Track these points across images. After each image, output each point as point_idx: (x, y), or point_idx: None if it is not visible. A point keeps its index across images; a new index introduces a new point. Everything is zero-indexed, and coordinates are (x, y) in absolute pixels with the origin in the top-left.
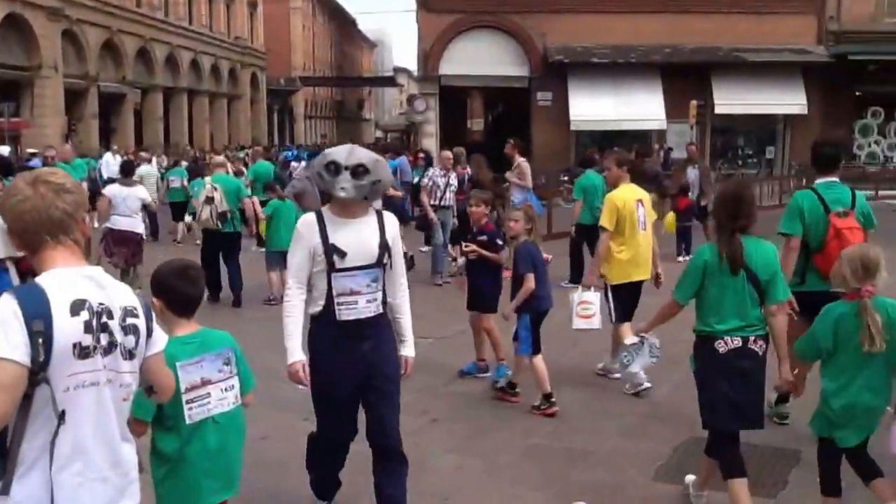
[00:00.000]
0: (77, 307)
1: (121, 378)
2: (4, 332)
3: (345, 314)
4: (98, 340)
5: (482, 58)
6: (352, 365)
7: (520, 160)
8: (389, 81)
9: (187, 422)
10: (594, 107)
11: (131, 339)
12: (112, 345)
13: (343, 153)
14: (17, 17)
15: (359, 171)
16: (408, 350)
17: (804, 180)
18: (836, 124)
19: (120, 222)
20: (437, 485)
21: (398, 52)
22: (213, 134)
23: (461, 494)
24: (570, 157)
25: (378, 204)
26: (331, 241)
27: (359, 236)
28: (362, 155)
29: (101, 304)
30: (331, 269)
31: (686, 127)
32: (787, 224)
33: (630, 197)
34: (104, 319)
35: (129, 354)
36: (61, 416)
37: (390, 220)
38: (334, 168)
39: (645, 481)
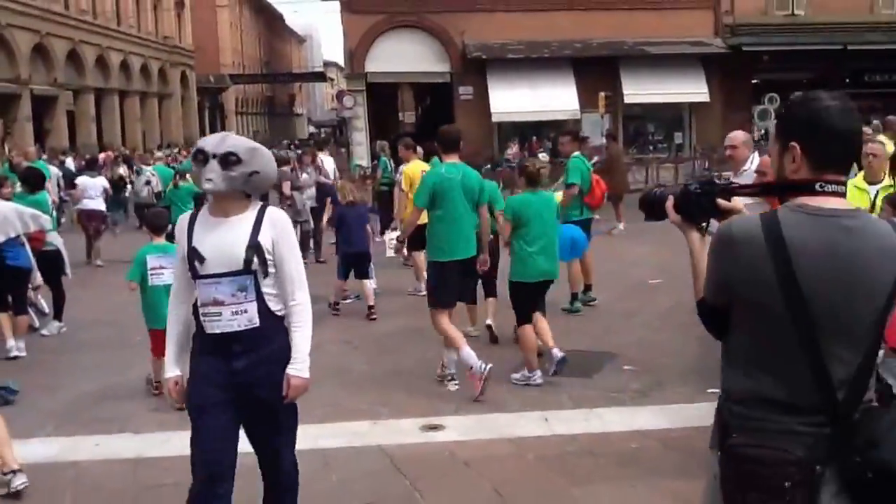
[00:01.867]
0: None
1: None
2: None
3: (209, 326)
4: None
5: (405, 55)
6: (217, 383)
7: (321, 158)
8: (319, 77)
9: (150, 284)
10: (512, 99)
11: None
12: None
13: (213, 141)
14: None
15: (230, 160)
16: (292, 369)
17: (706, 162)
18: (737, 110)
19: (88, 203)
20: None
21: (327, 46)
22: (146, 133)
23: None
24: (494, 147)
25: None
26: (193, 243)
27: (223, 238)
28: (235, 143)
29: None
30: (194, 275)
31: (598, 116)
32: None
33: (417, 169)
34: None
35: None
36: None
37: (273, 218)
38: (202, 157)
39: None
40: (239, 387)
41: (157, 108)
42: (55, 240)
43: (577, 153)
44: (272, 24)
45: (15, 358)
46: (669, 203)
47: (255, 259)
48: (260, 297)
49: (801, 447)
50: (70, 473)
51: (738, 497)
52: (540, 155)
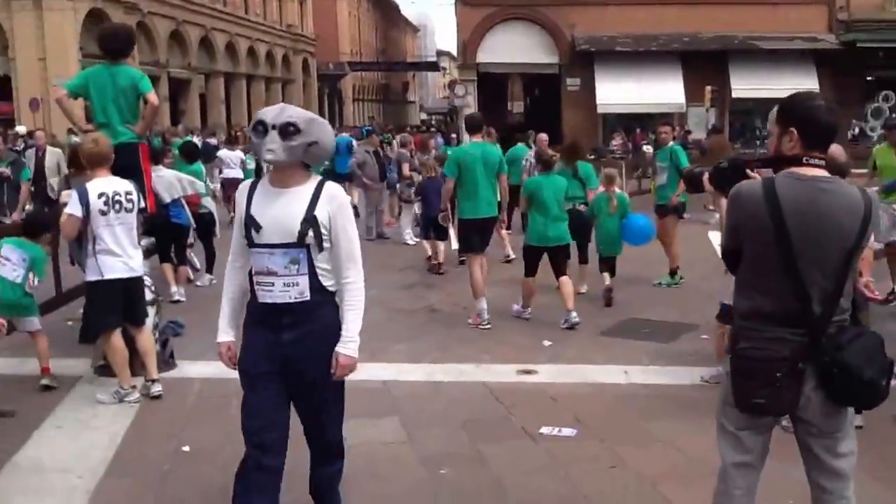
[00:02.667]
0: (101, 194)
1: (127, 219)
2: (73, 204)
3: (261, 295)
4: (110, 206)
5: (516, 47)
6: (267, 354)
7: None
8: (432, 66)
9: None
10: (618, 91)
11: (130, 204)
12: (120, 206)
13: (272, 112)
14: (100, 11)
15: (289, 130)
16: (342, 347)
17: None
18: (848, 107)
19: (229, 173)
20: None
21: (441, 35)
22: None
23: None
24: (598, 137)
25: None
26: (251, 211)
27: (280, 209)
28: (294, 113)
29: (114, 191)
30: (249, 243)
31: (703, 110)
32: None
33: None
34: (114, 197)
35: (128, 210)
36: (95, 236)
37: (331, 193)
38: (262, 128)
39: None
40: (286, 359)
41: (280, 93)
42: (209, 204)
43: (673, 142)
44: (388, 13)
45: (177, 301)
46: (705, 177)
47: (310, 233)
48: (312, 272)
49: (788, 349)
50: (233, 386)
51: (742, 386)
52: (643, 147)
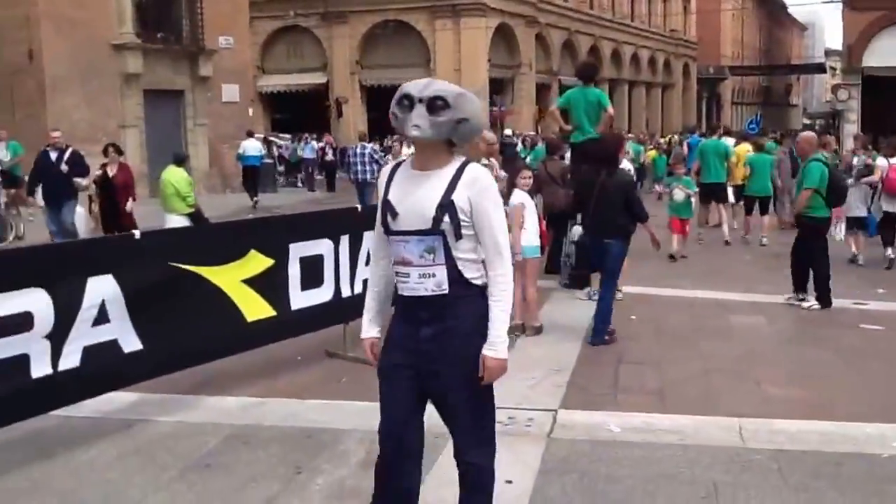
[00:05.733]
0: None
1: None
2: None
3: (399, 287)
4: None
5: None
6: (405, 352)
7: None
8: (818, 69)
9: (672, 199)
10: None
11: None
12: None
13: (419, 85)
14: (505, 26)
15: (437, 104)
16: (489, 349)
17: None
18: None
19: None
20: None
21: (830, 33)
22: (649, 120)
23: None
24: None
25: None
26: (388, 196)
27: (418, 194)
28: (442, 87)
29: None
30: (386, 230)
31: None
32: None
33: (743, 149)
34: None
35: None
36: None
37: (473, 175)
38: (408, 103)
39: None
40: (422, 356)
41: (660, 98)
42: None
43: None
44: (773, 12)
45: None
46: None
47: (446, 218)
48: (450, 262)
49: None
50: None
51: None
52: None
